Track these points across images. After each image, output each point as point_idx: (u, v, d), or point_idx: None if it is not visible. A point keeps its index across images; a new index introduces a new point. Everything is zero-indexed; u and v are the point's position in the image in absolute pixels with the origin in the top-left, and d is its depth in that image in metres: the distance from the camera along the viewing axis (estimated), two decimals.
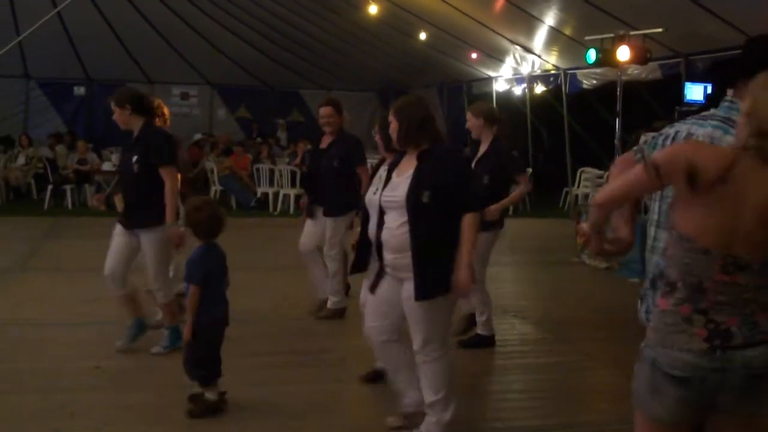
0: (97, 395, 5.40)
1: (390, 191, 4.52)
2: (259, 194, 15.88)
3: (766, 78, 2.52)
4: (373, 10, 13.55)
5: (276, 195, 15.64)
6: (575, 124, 14.80)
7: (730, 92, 3.06)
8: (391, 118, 4.57)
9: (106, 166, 15.68)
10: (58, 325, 7.20)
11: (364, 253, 4.82)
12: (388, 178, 4.61)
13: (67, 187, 15.30)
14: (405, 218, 4.39)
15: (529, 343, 7.15)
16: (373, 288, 4.70)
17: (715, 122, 2.95)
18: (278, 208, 15.49)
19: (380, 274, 4.64)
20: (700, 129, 3.02)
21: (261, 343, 6.75)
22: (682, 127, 3.12)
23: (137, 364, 6.02)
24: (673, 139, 3.11)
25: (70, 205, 15.11)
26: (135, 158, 6.05)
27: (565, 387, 6.09)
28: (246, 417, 5.10)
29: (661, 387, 2.62)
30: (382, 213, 4.55)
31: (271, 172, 15.87)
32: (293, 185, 15.62)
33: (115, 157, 16.16)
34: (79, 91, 20.96)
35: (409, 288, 4.42)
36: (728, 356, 2.54)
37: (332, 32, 17.17)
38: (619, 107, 10.55)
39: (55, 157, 16.83)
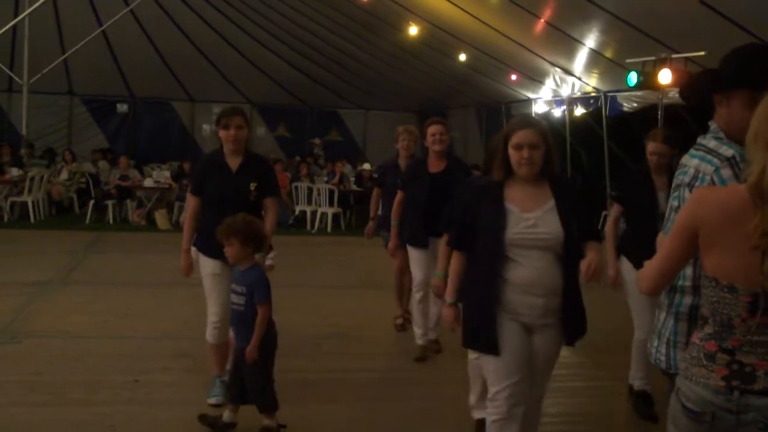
0: (136, 409, 5.46)
1: (530, 228, 3.95)
2: (297, 212, 15.98)
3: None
4: (413, 31, 13.61)
5: (314, 213, 15.73)
6: (615, 146, 14.71)
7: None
8: (537, 141, 3.95)
9: (148, 183, 15.87)
10: (97, 338, 7.28)
11: None
12: (503, 212, 3.99)
13: (109, 203, 15.50)
14: (552, 256, 3.95)
15: (565, 366, 7.09)
16: (495, 342, 4.01)
17: (701, 153, 2.92)
18: (316, 226, 15.57)
19: (496, 324, 4.00)
20: (693, 160, 3.02)
21: (300, 361, 6.78)
22: (683, 159, 3.15)
23: (174, 378, 6.09)
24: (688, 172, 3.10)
25: (111, 220, 15.31)
26: (253, 185, 5.58)
27: (601, 412, 6.04)
28: None
29: (678, 418, 2.56)
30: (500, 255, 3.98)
31: (310, 190, 15.96)
32: (331, 204, 15.71)
33: (156, 174, 16.38)
34: (122, 108, 21.29)
35: (551, 334, 4.06)
36: (745, 400, 2.42)
37: (371, 52, 17.29)
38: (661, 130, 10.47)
39: (98, 173, 17.10)
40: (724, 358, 2.48)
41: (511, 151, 3.97)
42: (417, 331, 7.08)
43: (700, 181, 2.82)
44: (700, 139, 3.07)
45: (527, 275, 3.91)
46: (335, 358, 7.02)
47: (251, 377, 4.85)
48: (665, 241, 2.64)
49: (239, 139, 5.57)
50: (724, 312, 2.46)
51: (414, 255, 6.99)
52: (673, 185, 3.13)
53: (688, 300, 3.12)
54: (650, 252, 4.58)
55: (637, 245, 5.41)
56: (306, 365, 6.69)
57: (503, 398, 4.00)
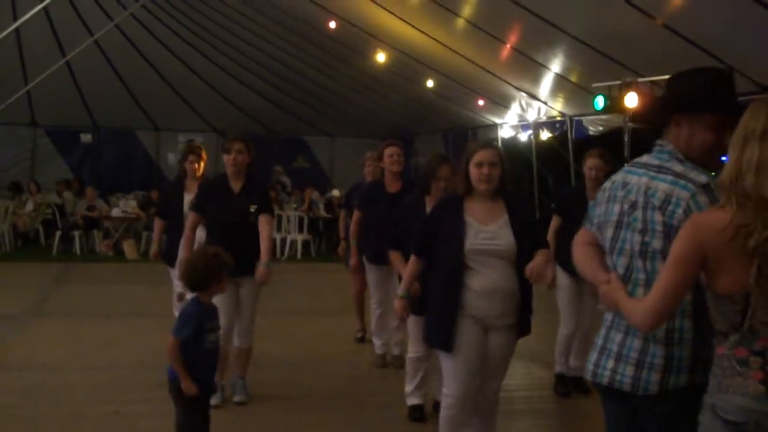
0: None
1: (488, 240, 4.48)
2: None
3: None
4: (381, 58, 13.72)
5: (283, 240, 15.71)
6: (581, 170, 14.85)
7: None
8: (496, 160, 4.53)
9: (115, 212, 15.76)
10: (74, 369, 7.21)
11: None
12: (462, 224, 4.49)
13: (76, 233, 15.37)
14: (506, 264, 4.48)
15: (546, 387, 7.15)
16: (451, 343, 4.53)
17: (669, 177, 2.93)
18: (286, 253, 15.55)
19: (455, 326, 4.51)
20: (633, 177, 3.04)
21: (277, 387, 6.78)
22: (618, 177, 3.15)
23: (153, 408, 5.94)
24: (610, 190, 3.14)
25: (78, 251, 15.17)
26: (254, 207, 6.07)
27: None
28: None
29: None
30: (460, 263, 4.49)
31: (279, 217, 15.95)
32: (300, 231, 15.72)
33: (123, 203, 16.26)
34: (86, 138, 21.06)
35: (506, 334, 4.60)
36: None
37: (339, 80, 17.36)
38: (627, 154, 10.64)
39: (64, 204, 16.93)
40: (757, 362, 2.52)
41: (472, 169, 4.51)
42: (376, 342, 7.62)
43: (674, 206, 2.84)
44: (650, 159, 3.04)
45: (485, 282, 4.43)
46: (316, 381, 7.01)
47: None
48: (660, 277, 2.67)
49: (239, 163, 6.09)
50: (746, 323, 2.52)
51: (374, 273, 7.46)
52: (625, 205, 3.05)
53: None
54: None
55: (567, 253, 5.69)
56: (285, 391, 6.69)
57: (454, 396, 4.58)
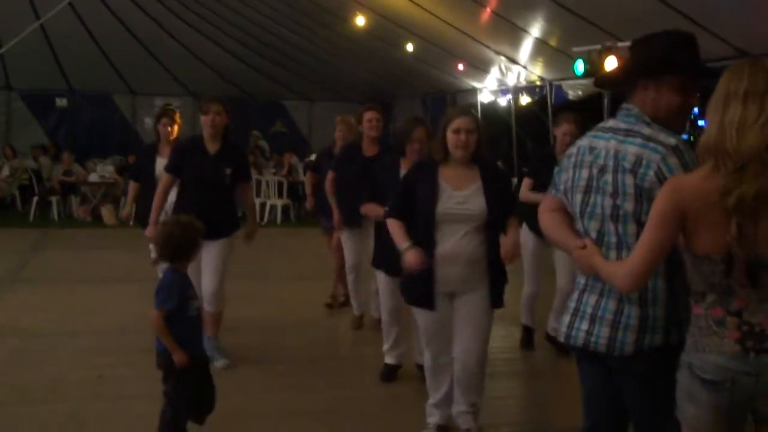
0: (104, 404, 5.46)
1: (459, 204, 4.55)
2: None
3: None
4: (360, 21, 13.61)
5: (263, 206, 15.67)
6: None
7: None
8: (473, 127, 4.58)
9: (93, 178, 15.64)
10: (56, 335, 7.21)
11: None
12: (438, 189, 4.56)
13: (53, 199, 15.26)
14: (473, 230, 4.54)
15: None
16: (431, 308, 4.69)
17: (639, 140, 2.96)
18: (265, 218, 15.52)
19: (430, 292, 4.64)
20: (601, 141, 3.07)
21: (269, 351, 6.84)
22: (584, 142, 3.17)
23: (137, 373, 5.92)
24: (577, 156, 3.16)
25: (56, 217, 15.06)
26: (229, 170, 6.06)
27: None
28: (268, 423, 5.24)
29: (696, 392, 2.63)
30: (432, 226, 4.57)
31: (258, 182, 15.89)
32: (280, 196, 15.68)
33: (100, 168, 16.13)
34: (62, 102, 20.80)
35: (474, 299, 4.63)
36: (761, 359, 2.54)
37: (317, 43, 17.22)
38: (607, 118, 10.65)
39: (40, 169, 16.77)
40: (733, 321, 2.58)
41: (449, 135, 4.58)
42: (354, 303, 7.82)
43: (645, 168, 2.87)
44: (617, 123, 3.07)
45: (448, 247, 4.50)
46: (302, 347, 7.07)
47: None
48: (641, 238, 2.70)
49: (216, 125, 6.08)
50: (722, 282, 2.57)
51: (346, 236, 7.50)
52: (594, 170, 3.06)
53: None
54: None
55: (534, 216, 5.99)
56: (267, 354, 6.75)
57: (429, 352, 4.83)
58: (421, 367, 5.69)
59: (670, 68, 3.01)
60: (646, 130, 2.96)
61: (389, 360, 6.20)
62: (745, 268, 2.53)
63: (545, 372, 6.79)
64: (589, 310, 3.07)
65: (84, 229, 14.40)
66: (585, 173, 3.10)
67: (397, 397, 5.85)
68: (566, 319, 3.18)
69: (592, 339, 3.03)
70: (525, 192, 6.63)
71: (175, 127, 7.35)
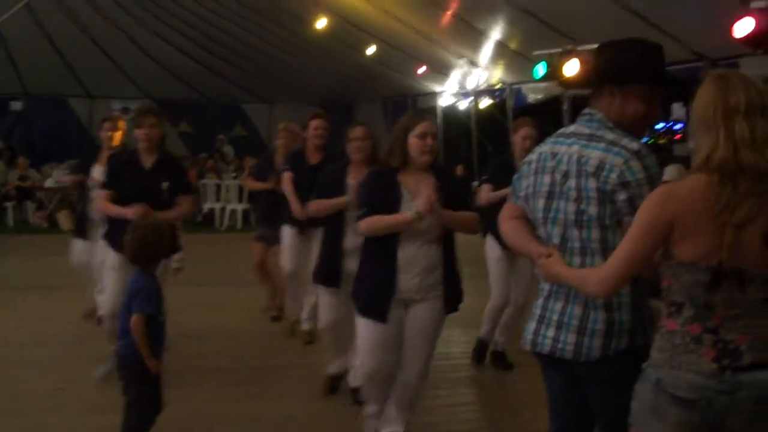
0: (66, 417, 5.34)
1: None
2: (204, 209, 15.75)
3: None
4: (321, 24, 13.54)
5: (223, 210, 15.55)
6: None
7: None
8: (435, 132, 4.60)
9: (49, 183, 15.39)
10: (12, 345, 7.07)
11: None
12: (399, 196, 4.51)
13: (9, 204, 14.99)
14: (431, 237, 4.50)
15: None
16: (384, 319, 4.55)
17: (602, 145, 2.95)
18: (224, 224, 15.39)
19: (386, 302, 4.54)
20: (563, 147, 3.06)
21: (225, 359, 6.74)
22: (544, 148, 3.15)
23: (97, 384, 5.84)
24: (538, 162, 3.14)
25: (11, 223, 14.80)
26: (166, 184, 5.77)
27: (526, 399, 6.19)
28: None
29: (663, 408, 2.58)
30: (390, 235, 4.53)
31: (218, 187, 15.77)
32: (240, 200, 15.56)
33: (56, 173, 15.88)
34: (16, 105, 20.46)
35: (428, 308, 4.56)
36: (736, 378, 2.51)
37: (275, 44, 17.10)
38: (566, 121, 10.75)
39: None
40: (709, 338, 2.54)
41: (413, 140, 4.51)
42: (288, 310, 7.74)
43: (608, 171, 2.88)
44: (579, 128, 3.07)
45: (409, 254, 4.46)
46: (261, 355, 6.99)
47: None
48: (623, 244, 2.66)
49: (151, 138, 5.83)
50: (700, 294, 2.54)
51: (289, 239, 7.34)
52: (557, 176, 3.04)
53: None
54: None
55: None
56: (233, 363, 6.66)
57: (367, 370, 4.68)
58: (355, 391, 5.51)
59: (639, 78, 3.03)
60: (610, 135, 2.97)
61: (333, 370, 6.00)
62: (733, 279, 2.51)
63: (508, 377, 6.73)
64: (555, 317, 3.05)
65: (40, 235, 14.17)
66: (547, 179, 3.08)
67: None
68: (531, 326, 3.15)
69: (559, 346, 3.02)
70: (485, 196, 6.45)
71: (118, 134, 7.28)
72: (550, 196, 3.07)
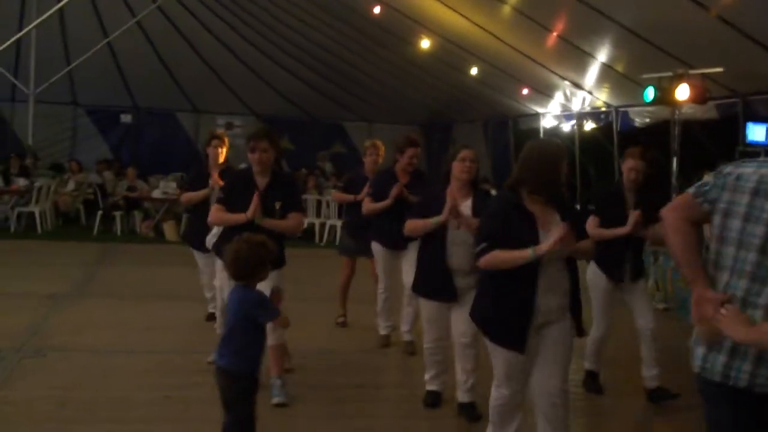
0: (171, 427, 5.44)
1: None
2: (305, 225, 15.92)
3: None
4: (425, 44, 13.60)
5: (322, 226, 15.70)
6: None
7: None
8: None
9: (156, 194, 15.82)
10: (120, 352, 7.23)
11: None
12: (536, 230, 4.53)
13: (117, 214, 15.46)
14: (565, 259, 4.57)
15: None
16: (522, 350, 4.55)
17: None
18: (324, 239, 15.54)
19: (526, 330, 4.52)
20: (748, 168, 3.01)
21: (325, 376, 6.78)
22: (764, 170, 3.03)
23: (206, 394, 5.71)
24: (737, 178, 3.04)
25: (119, 232, 15.26)
26: (278, 204, 5.87)
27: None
28: None
29: None
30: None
31: (318, 203, 15.94)
32: (340, 216, 15.66)
33: (163, 185, 16.31)
34: (126, 118, 21.21)
35: (561, 327, 4.63)
36: None
37: (377, 65, 17.28)
38: (676, 147, 10.47)
39: (104, 183, 17.04)
40: None
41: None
42: (381, 323, 7.91)
43: None
44: None
45: (548, 278, 4.48)
46: (359, 373, 7.01)
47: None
48: None
49: (263, 162, 5.94)
50: None
51: (383, 258, 7.66)
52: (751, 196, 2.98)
53: None
54: (618, 262, 5.60)
55: (606, 256, 6.16)
56: (333, 381, 6.70)
57: (506, 390, 4.63)
58: (461, 405, 5.83)
59: None
60: None
61: (432, 387, 6.13)
62: None
63: (625, 410, 6.53)
64: (752, 350, 2.90)
65: (147, 244, 14.55)
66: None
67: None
68: (721, 359, 3.00)
69: (758, 381, 2.90)
70: (593, 232, 6.05)
71: (224, 149, 7.57)
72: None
